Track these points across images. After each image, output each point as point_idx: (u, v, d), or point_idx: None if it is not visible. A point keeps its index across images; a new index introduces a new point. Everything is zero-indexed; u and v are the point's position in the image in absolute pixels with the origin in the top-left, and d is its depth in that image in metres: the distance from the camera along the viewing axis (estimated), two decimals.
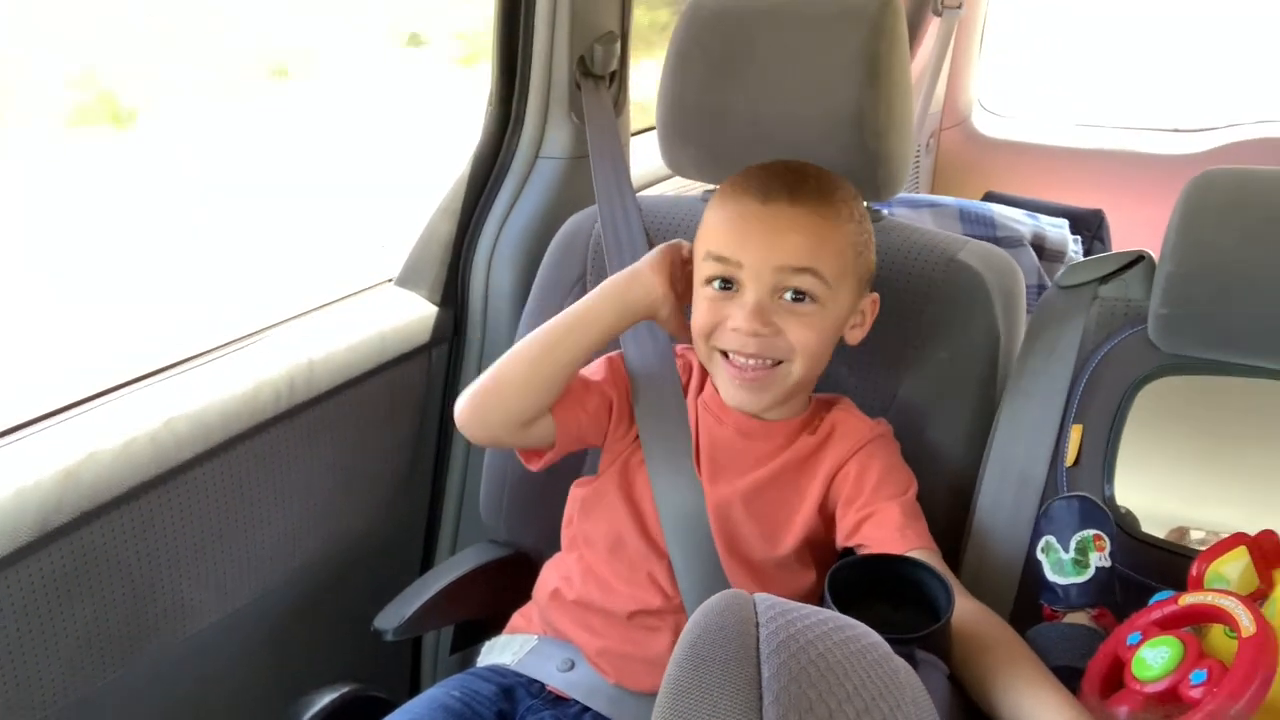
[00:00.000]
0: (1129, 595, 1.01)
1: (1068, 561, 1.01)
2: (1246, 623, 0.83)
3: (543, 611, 1.23)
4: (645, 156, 1.58)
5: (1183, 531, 1.09)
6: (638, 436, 1.18)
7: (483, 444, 1.18)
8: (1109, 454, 1.11)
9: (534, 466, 1.18)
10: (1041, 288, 1.97)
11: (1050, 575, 1.02)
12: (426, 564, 1.66)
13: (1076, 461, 1.12)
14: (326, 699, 1.19)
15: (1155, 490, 1.11)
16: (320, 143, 2.09)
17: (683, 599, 1.12)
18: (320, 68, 2.11)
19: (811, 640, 0.55)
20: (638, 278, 1.15)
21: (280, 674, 1.42)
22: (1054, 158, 2.80)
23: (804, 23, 1.23)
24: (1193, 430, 1.13)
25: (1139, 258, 1.18)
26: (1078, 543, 1.01)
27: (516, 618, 1.27)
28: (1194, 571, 0.97)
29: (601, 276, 1.29)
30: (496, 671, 1.20)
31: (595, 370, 1.20)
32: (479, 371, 1.60)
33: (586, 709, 1.14)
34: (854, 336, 1.17)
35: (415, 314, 1.55)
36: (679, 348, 1.23)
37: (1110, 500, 1.09)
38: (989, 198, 2.44)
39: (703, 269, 1.13)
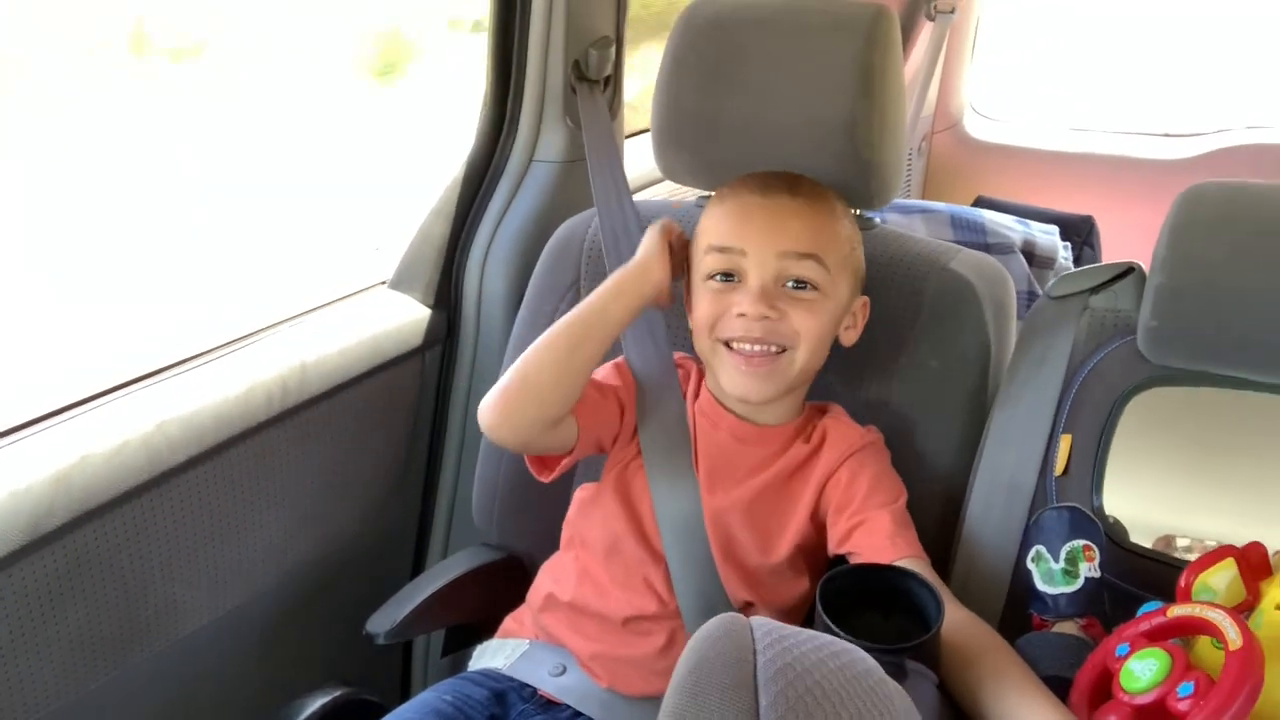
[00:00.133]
0: (1117, 605, 1.02)
1: (1058, 571, 1.02)
2: (1233, 635, 0.84)
3: (535, 616, 1.23)
4: (637, 160, 1.58)
5: (1169, 540, 1.10)
6: (639, 442, 1.18)
7: (511, 447, 1.16)
8: (1098, 464, 1.11)
9: (546, 477, 1.17)
10: (1032, 295, 1.97)
11: (1040, 585, 1.03)
12: (418, 567, 1.66)
13: (1066, 471, 1.12)
14: (318, 703, 1.19)
15: (1144, 501, 1.12)
16: (319, 143, 2.09)
17: (679, 605, 1.12)
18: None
19: (808, 668, 0.56)
20: (648, 272, 1.15)
21: (271, 676, 1.42)
22: (1045, 161, 2.81)
23: (799, 32, 1.24)
24: (1181, 441, 1.14)
25: (1129, 269, 1.18)
26: (1068, 553, 1.02)
27: (509, 621, 1.28)
28: (1182, 583, 0.98)
29: (596, 281, 1.29)
30: (488, 675, 1.20)
31: (605, 374, 1.21)
32: (472, 375, 1.61)
33: (578, 714, 1.15)
34: (848, 338, 1.19)
35: (408, 317, 1.55)
36: (678, 355, 1.24)
37: (1099, 510, 1.10)
38: (980, 203, 2.45)
39: (704, 264, 1.15)
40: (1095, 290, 1.19)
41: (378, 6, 2.21)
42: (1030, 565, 1.04)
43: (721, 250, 1.13)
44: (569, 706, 1.15)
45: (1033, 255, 2.09)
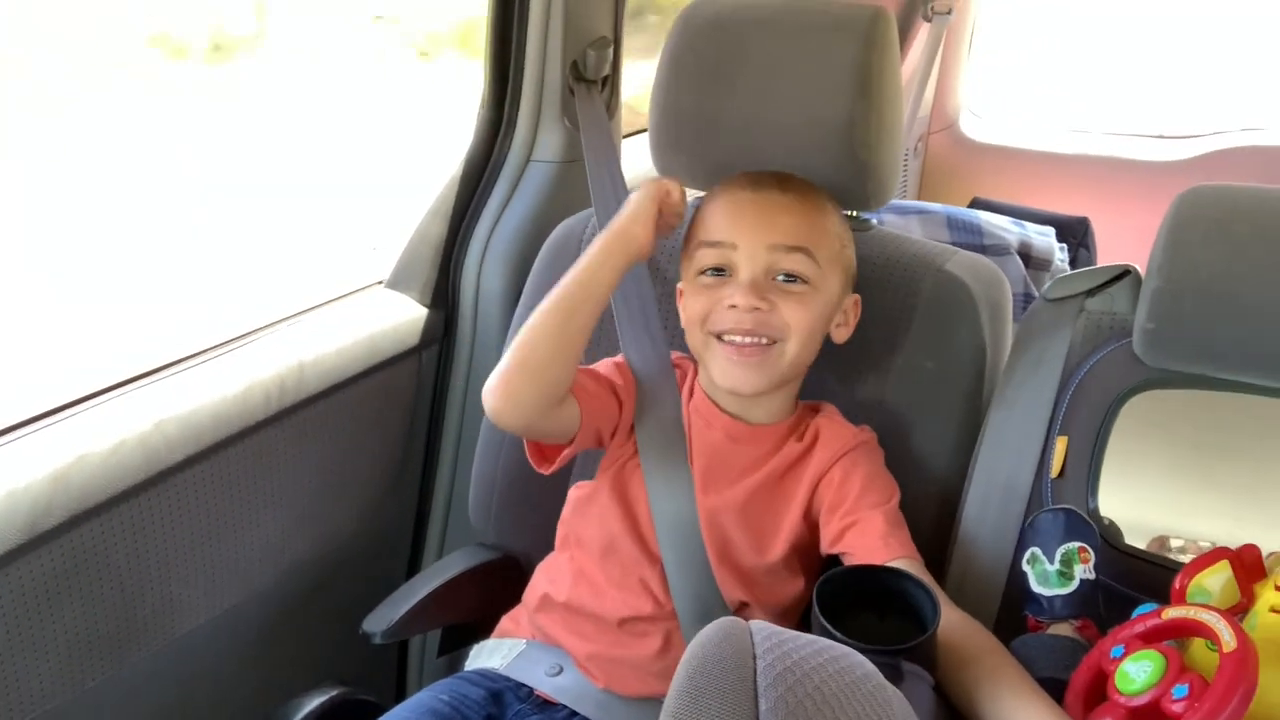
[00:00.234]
0: (1112, 606, 1.02)
1: (1053, 573, 1.02)
2: (1228, 637, 0.85)
3: (531, 616, 1.24)
4: (635, 160, 1.59)
5: (1163, 540, 1.10)
6: (636, 441, 1.19)
7: (516, 429, 1.14)
8: (1093, 466, 1.12)
9: (546, 469, 1.16)
10: (1028, 296, 1.98)
11: (1035, 586, 1.03)
12: (414, 567, 1.66)
13: (1061, 473, 1.13)
14: (314, 702, 1.19)
15: (1139, 503, 1.13)
16: (318, 142, 2.09)
17: (675, 606, 1.13)
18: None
19: (808, 672, 0.56)
20: (630, 236, 1.12)
21: (268, 676, 1.42)
22: (1041, 162, 2.82)
23: (796, 33, 1.24)
24: (1177, 443, 1.14)
25: (1125, 272, 1.19)
26: (1063, 555, 1.03)
27: (505, 621, 1.28)
28: (1177, 584, 0.98)
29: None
30: (485, 675, 1.20)
31: (605, 369, 1.21)
32: (469, 374, 1.61)
33: (574, 714, 1.15)
34: (840, 335, 1.19)
35: (405, 316, 1.55)
36: (675, 356, 1.24)
37: (1094, 512, 1.10)
38: (976, 204, 2.45)
39: (695, 260, 1.16)
40: (1091, 293, 1.20)
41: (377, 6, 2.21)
42: (1025, 567, 1.05)
43: (712, 245, 1.14)
44: (565, 706, 1.16)
45: (1029, 257, 2.10)
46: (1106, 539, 1.07)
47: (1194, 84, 3.81)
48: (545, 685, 1.17)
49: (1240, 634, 0.85)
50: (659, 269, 1.35)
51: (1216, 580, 0.97)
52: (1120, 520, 1.11)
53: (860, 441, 1.17)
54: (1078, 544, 1.02)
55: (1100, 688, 0.91)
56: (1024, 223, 2.17)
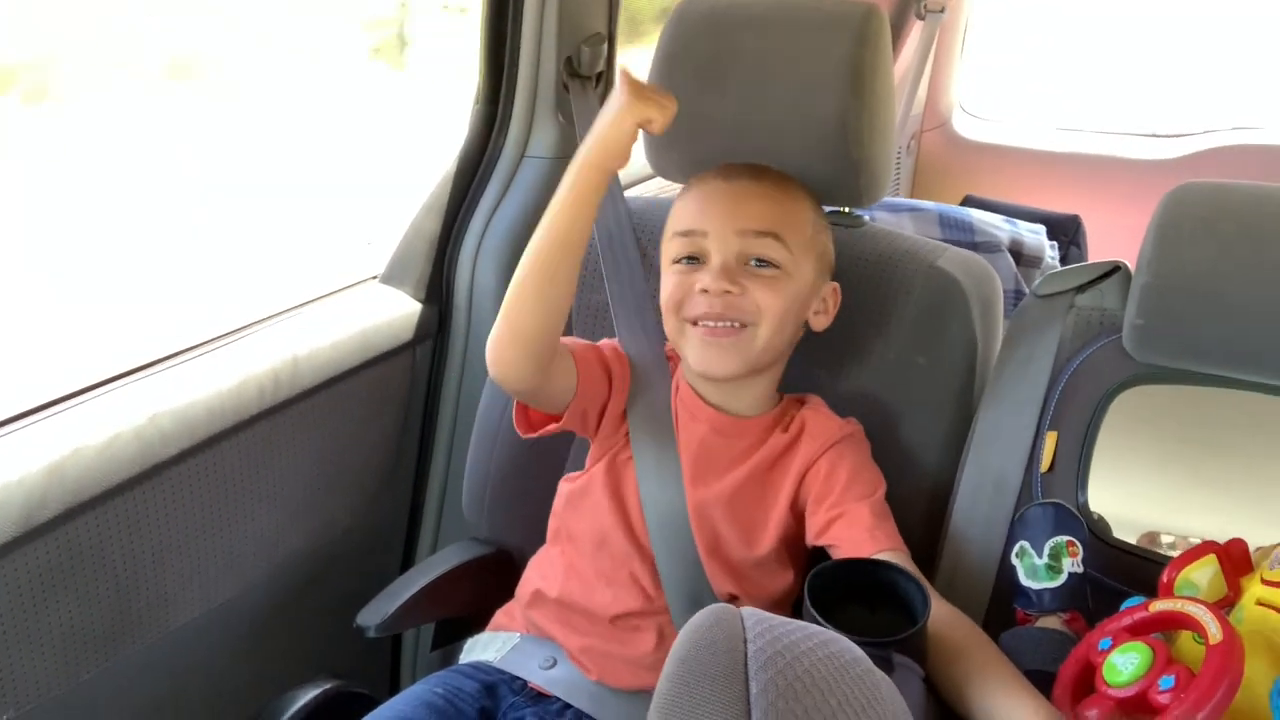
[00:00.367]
0: (1100, 600, 1.03)
1: (1041, 567, 1.03)
2: (1214, 630, 0.85)
3: (524, 612, 1.24)
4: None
5: (1153, 536, 1.11)
6: (628, 433, 1.19)
7: (514, 388, 1.10)
8: (1083, 461, 1.13)
9: (526, 433, 1.15)
10: (1019, 293, 1.99)
11: (1024, 580, 1.04)
12: (408, 561, 1.66)
13: (1051, 468, 1.14)
14: (308, 695, 1.19)
15: (1128, 497, 1.14)
16: (318, 142, 2.09)
17: (666, 600, 1.13)
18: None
19: (798, 656, 0.57)
20: (617, 154, 1.06)
21: (262, 669, 1.42)
22: (1033, 161, 2.83)
23: (789, 30, 1.24)
24: (1165, 438, 1.15)
25: (1115, 268, 1.20)
26: (1051, 548, 1.03)
27: (499, 615, 1.29)
28: (1164, 578, 0.99)
29: (587, 278, 1.31)
30: (479, 668, 1.21)
31: (605, 349, 1.21)
32: (463, 369, 1.61)
33: (568, 706, 1.15)
34: (819, 323, 1.20)
35: (400, 311, 1.55)
36: (669, 347, 1.25)
37: (1083, 506, 1.11)
38: (968, 202, 2.46)
39: (669, 250, 1.18)
40: (1081, 289, 1.21)
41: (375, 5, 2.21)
42: (1014, 561, 1.06)
43: (685, 234, 1.16)
44: (559, 699, 1.16)
45: (1020, 254, 2.11)
46: (1095, 533, 1.08)
47: (1185, 83, 3.82)
48: (539, 678, 1.18)
49: (1226, 627, 0.86)
50: (653, 264, 1.36)
51: (1204, 574, 0.98)
52: (1110, 515, 1.12)
53: (846, 434, 1.18)
54: (1066, 538, 1.03)
55: (1088, 680, 0.92)
56: (1015, 220, 2.18)
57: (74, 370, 1.24)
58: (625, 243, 1.35)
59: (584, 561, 1.19)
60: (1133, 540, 1.11)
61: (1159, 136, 2.80)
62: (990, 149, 2.89)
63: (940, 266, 1.26)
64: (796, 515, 1.17)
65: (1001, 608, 1.08)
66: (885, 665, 0.88)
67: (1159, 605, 0.93)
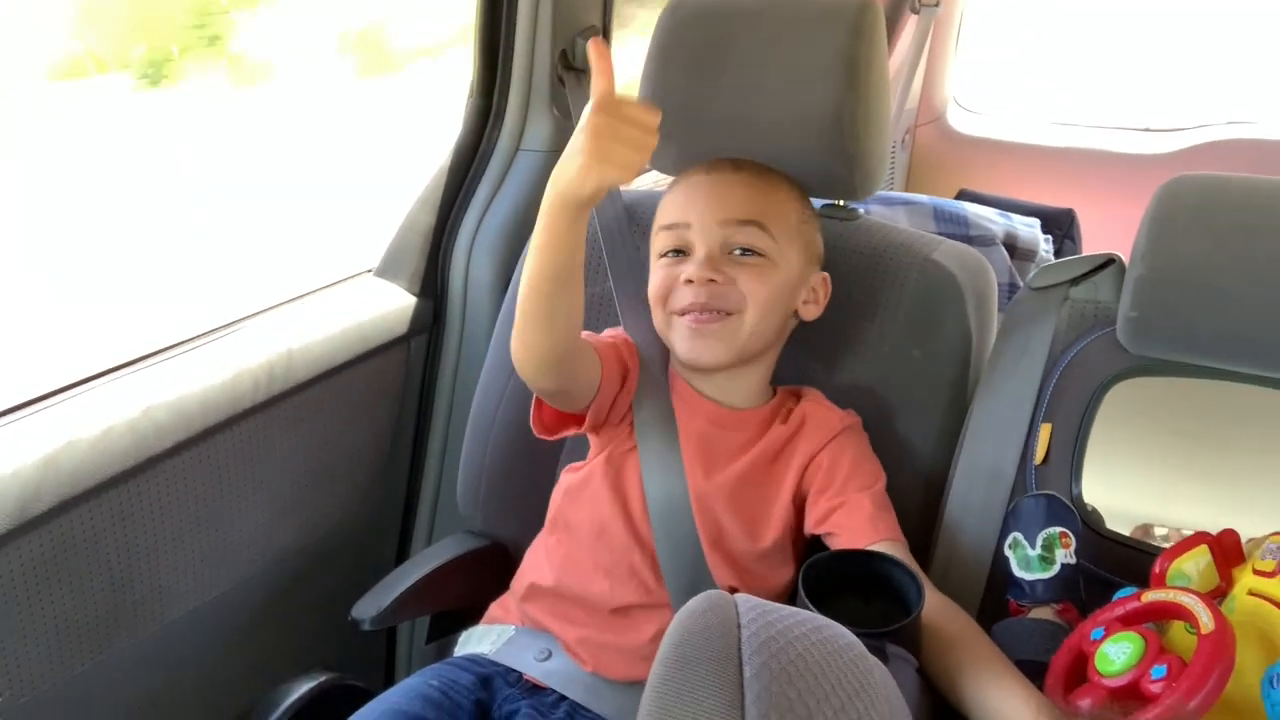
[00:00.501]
0: (1093, 591, 1.03)
1: (1034, 558, 1.04)
2: (1206, 620, 0.86)
3: (519, 605, 1.24)
4: None
5: (1147, 529, 1.12)
6: (632, 424, 1.19)
7: (540, 390, 1.11)
8: (1077, 453, 1.13)
9: (542, 434, 1.15)
10: (1013, 286, 1.99)
11: (1017, 571, 1.05)
12: (403, 554, 1.66)
13: (1045, 460, 1.14)
14: (303, 688, 1.20)
15: (1121, 489, 1.14)
16: (319, 142, 2.09)
17: (668, 592, 1.13)
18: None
19: (791, 641, 0.57)
20: (584, 204, 0.96)
21: (256, 662, 1.42)
22: (1027, 155, 2.83)
23: (784, 23, 1.25)
24: (1159, 430, 1.16)
25: (1109, 260, 1.20)
26: (1044, 539, 1.04)
27: (494, 608, 1.29)
28: (1157, 569, 1.00)
29: (590, 271, 1.31)
30: (474, 661, 1.21)
31: (620, 343, 1.21)
32: (458, 362, 1.61)
33: (563, 698, 1.16)
34: (809, 312, 1.21)
35: (394, 304, 1.55)
36: None
37: (1077, 498, 1.12)
38: (963, 195, 2.46)
39: (656, 244, 1.19)
40: (1075, 281, 1.21)
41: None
42: (1008, 552, 1.06)
43: (669, 228, 1.18)
44: (554, 691, 1.16)
45: (1014, 247, 2.11)
46: (1088, 524, 1.09)
47: (1180, 77, 3.82)
48: (534, 670, 1.18)
49: (1218, 616, 0.86)
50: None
51: (1196, 564, 0.99)
52: (1104, 506, 1.12)
53: (847, 426, 1.19)
54: (1059, 529, 1.04)
55: (1080, 670, 0.92)
56: (1010, 214, 2.18)
57: (73, 370, 1.24)
58: (623, 237, 1.35)
59: (581, 552, 1.19)
60: (1126, 532, 1.11)
61: (1153, 131, 2.80)
62: (985, 143, 2.90)
63: (935, 259, 1.26)
64: (798, 508, 1.17)
65: (995, 598, 1.09)
66: (879, 655, 0.88)
67: (1151, 595, 0.94)
